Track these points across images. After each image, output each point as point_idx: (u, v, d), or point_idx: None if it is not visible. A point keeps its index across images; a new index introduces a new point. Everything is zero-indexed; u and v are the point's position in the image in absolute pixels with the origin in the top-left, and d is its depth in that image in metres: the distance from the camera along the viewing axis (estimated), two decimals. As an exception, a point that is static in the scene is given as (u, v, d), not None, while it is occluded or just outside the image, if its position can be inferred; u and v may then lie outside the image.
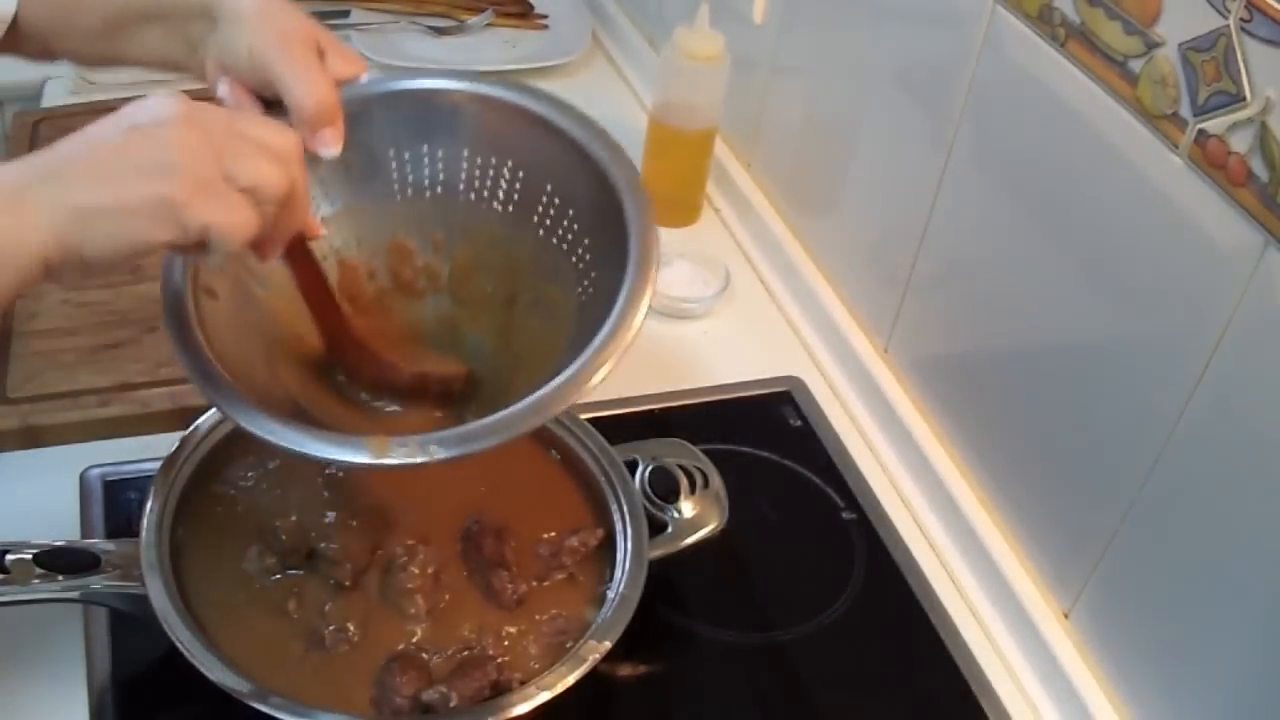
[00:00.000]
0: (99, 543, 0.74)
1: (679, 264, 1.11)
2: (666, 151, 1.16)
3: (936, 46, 0.90)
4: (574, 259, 0.73)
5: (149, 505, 0.73)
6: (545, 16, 1.48)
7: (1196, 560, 0.71)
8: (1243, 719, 0.70)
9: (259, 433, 0.64)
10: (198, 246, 0.58)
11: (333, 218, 0.75)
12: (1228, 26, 0.63)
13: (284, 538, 0.75)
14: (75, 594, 0.71)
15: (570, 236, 0.73)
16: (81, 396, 0.90)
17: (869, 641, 0.84)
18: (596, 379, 0.64)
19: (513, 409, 0.63)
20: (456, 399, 0.76)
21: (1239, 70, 0.63)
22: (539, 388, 0.64)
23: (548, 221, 0.74)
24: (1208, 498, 0.69)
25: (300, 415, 0.69)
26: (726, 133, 1.21)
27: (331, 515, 0.77)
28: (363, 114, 0.72)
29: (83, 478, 0.86)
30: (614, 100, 1.37)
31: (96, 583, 0.71)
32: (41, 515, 0.82)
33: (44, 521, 0.82)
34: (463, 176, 0.75)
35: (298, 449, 0.63)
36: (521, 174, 0.74)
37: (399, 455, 0.62)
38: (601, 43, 1.47)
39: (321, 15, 1.42)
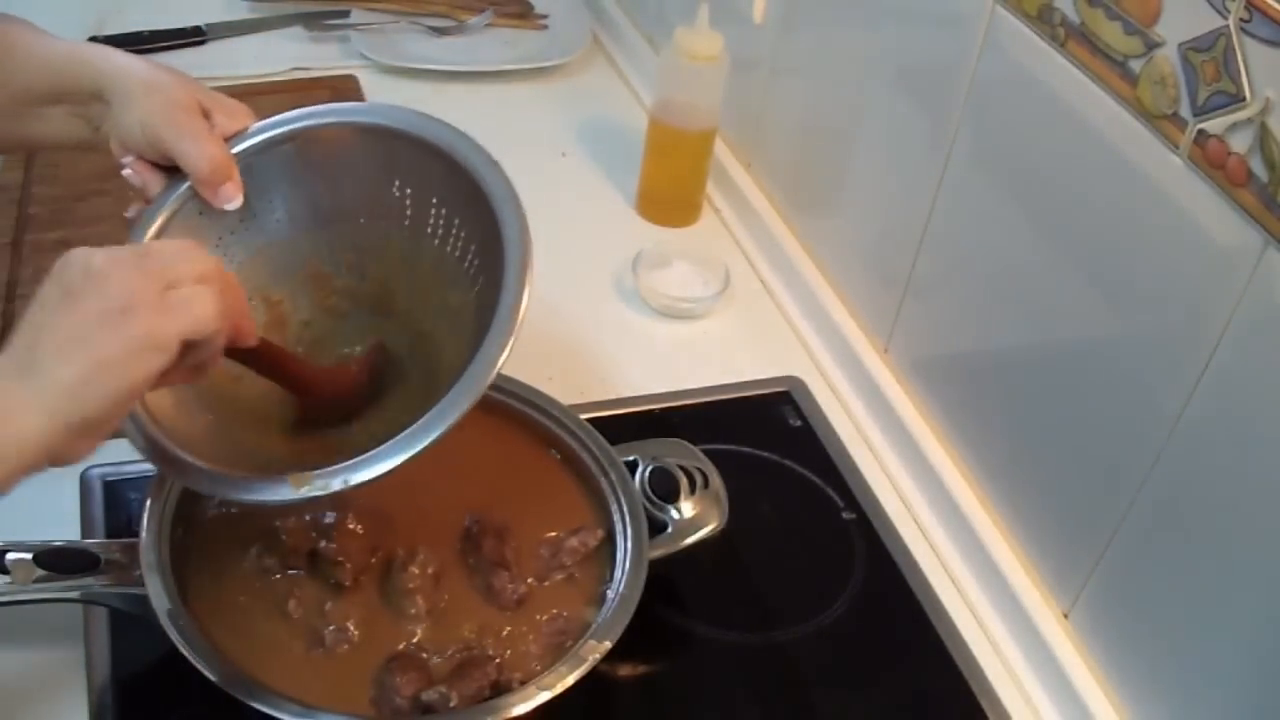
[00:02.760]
0: (99, 543, 0.74)
1: (679, 264, 1.11)
2: (666, 151, 1.16)
3: (936, 46, 0.90)
4: (465, 264, 0.76)
5: (149, 505, 0.73)
6: (545, 16, 1.48)
7: (1196, 560, 0.71)
8: (1242, 719, 0.70)
9: (188, 483, 0.68)
10: (183, 360, 0.59)
11: (248, 263, 0.77)
12: (1228, 27, 0.63)
13: (284, 538, 0.75)
14: (75, 594, 0.71)
15: (460, 244, 0.76)
16: (81, 396, 0.90)
17: (869, 641, 0.84)
18: (485, 383, 0.66)
19: (416, 423, 0.66)
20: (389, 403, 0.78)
21: (1239, 70, 0.63)
22: (438, 398, 0.66)
23: (439, 232, 0.77)
24: (1208, 497, 0.69)
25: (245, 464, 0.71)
26: (726, 133, 1.21)
27: (331, 515, 0.77)
28: (254, 162, 0.75)
29: (83, 478, 0.86)
30: (614, 100, 1.37)
31: (96, 583, 0.71)
32: (41, 515, 0.82)
33: (44, 521, 0.81)
34: (356, 201, 0.78)
35: (223, 493, 0.68)
36: (409, 190, 0.77)
37: (317, 487, 0.65)
38: (601, 43, 1.47)
39: (321, 15, 1.42)
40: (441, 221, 0.77)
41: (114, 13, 1.38)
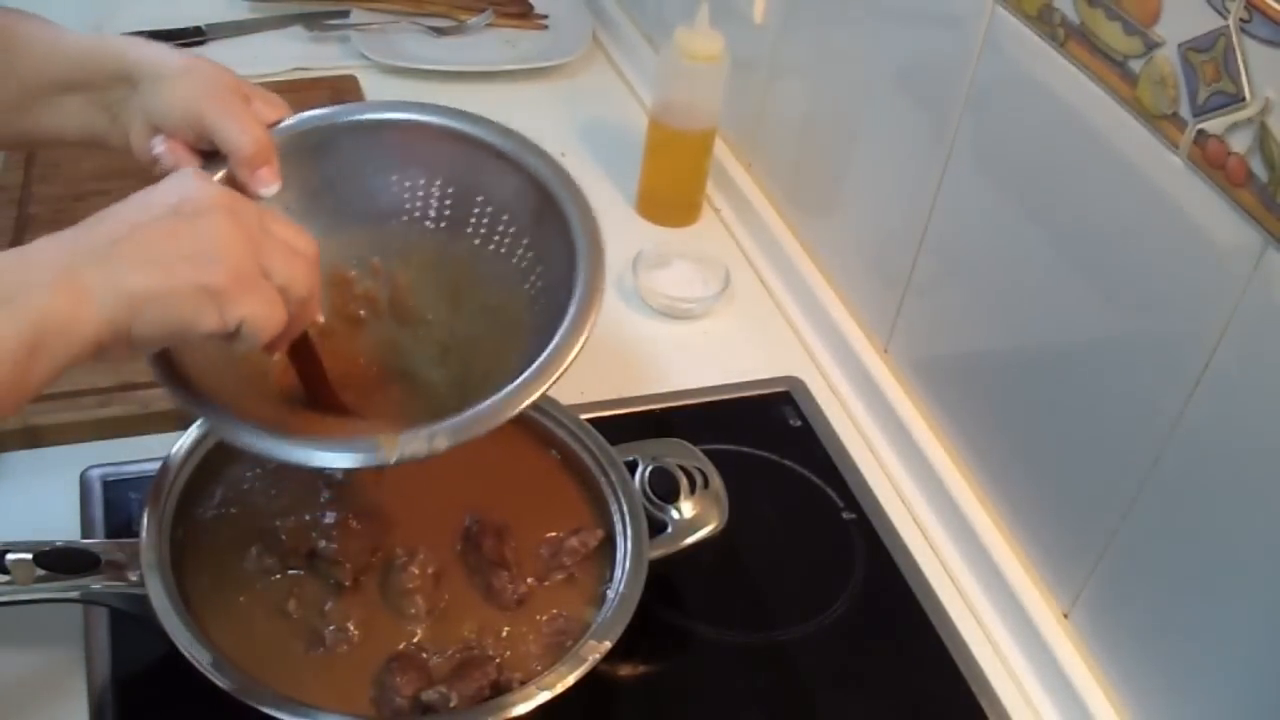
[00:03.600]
0: (99, 543, 0.74)
1: (679, 264, 1.11)
2: (666, 151, 1.16)
3: (936, 46, 0.90)
4: (514, 260, 0.75)
5: (149, 505, 0.73)
6: (545, 16, 1.48)
7: (1196, 560, 0.71)
8: (1242, 719, 0.70)
9: (271, 452, 0.65)
10: (229, 335, 0.59)
11: None
12: (1227, 27, 0.63)
13: (284, 538, 0.75)
14: (75, 594, 0.71)
15: (508, 240, 0.75)
16: (81, 396, 0.90)
17: (869, 641, 0.84)
18: (578, 346, 0.66)
19: (508, 389, 0.65)
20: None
21: (1239, 70, 0.63)
22: (516, 376, 0.65)
23: (482, 230, 0.76)
24: (1208, 498, 0.69)
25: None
26: (726, 133, 1.21)
27: (331, 515, 0.77)
28: (293, 154, 0.74)
29: (83, 478, 0.86)
30: (614, 100, 1.37)
31: (96, 583, 0.71)
32: (41, 515, 0.82)
33: (44, 521, 0.82)
34: (393, 201, 0.77)
35: (308, 461, 0.64)
36: (451, 190, 0.76)
37: (410, 449, 0.63)
38: (601, 43, 1.47)
39: (321, 15, 1.42)
40: (485, 219, 0.76)
41: (113, 13, 1.39)
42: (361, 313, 0.79)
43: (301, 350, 0.70)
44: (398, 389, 0.78)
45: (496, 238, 0.76)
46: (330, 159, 0.75)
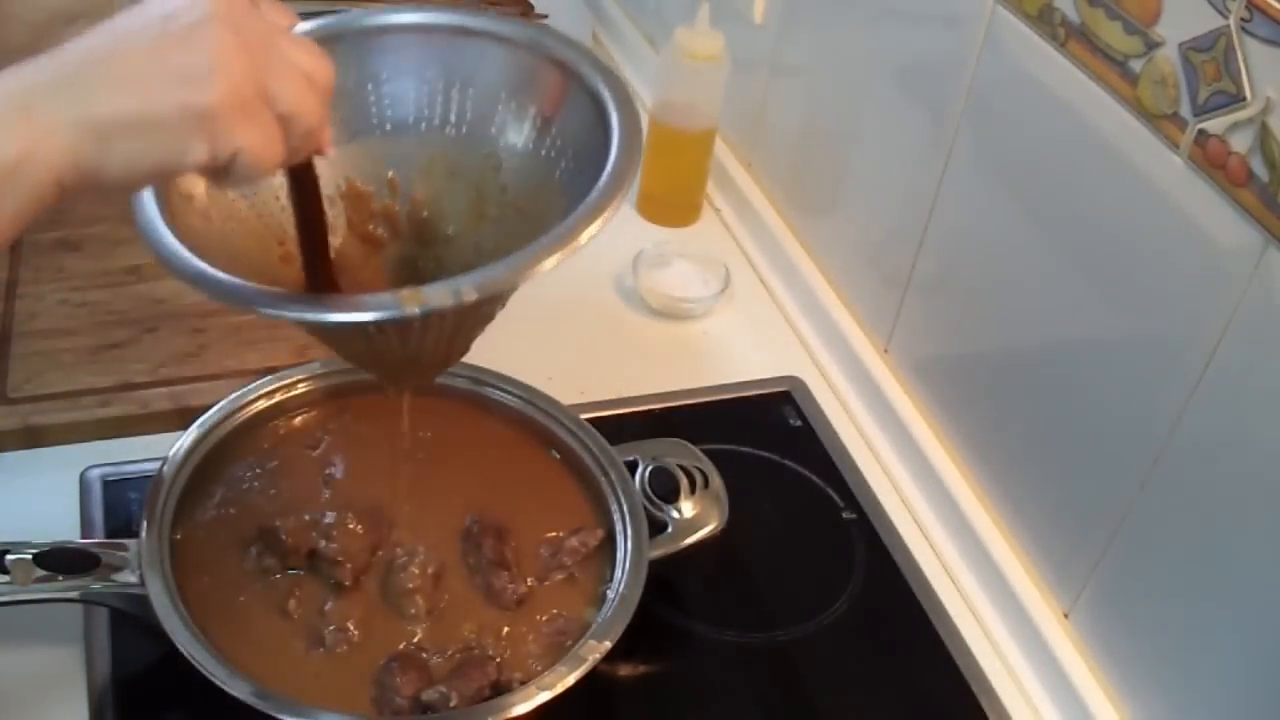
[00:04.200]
0: (99, 543, 0.74)
1: (679, 264, 1.11)
2: (666, 151, 1.16)
3: (936, 46, 0.90)
4: (542, 150, 0.71)
5: (148, 505, 0.73)
6: (545, 16, 1.48)
7: (1196, 560, 0.71)
8: (1242, 719, 0.70)
9: (291, 314, 0.60)
10: (219, 170, 0.51)
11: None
12: (1228, 26, 0.63)
13: (284, 538, 0.75)
14: (75, 594, 0.71)
15: (535, 132, 0.71)
16: (81, 396, 0.90)
17: (869, 641, 0.84)
18: (619, 198, 0.62)
19: (537, 242, 0.60)
20: None
21: (1239, 70, 0.63)
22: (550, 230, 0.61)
23: (507, 129, 0.72)
24: (1208, 498, 0.69)
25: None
26: (726, 133, 1.21)
27: (331, 515, 0.77)
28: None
29: (83, 478, 0.86)
30: (614, 100, 1.37)
31: (96, 583, 0.71)
32: (41, 515, 0.82)
33: (44, 521, 0.81)
34: (408, 110, 0.73)
35: (337, 319, 0.58)
36: (471, 90, 0.72)
37: (436, 299, 0.57)
38: (601, 43, 1.47)
39: (321, 15, 1.42)
40: (510, 115, 0.72)
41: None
42: (380, 231, 0.75)
43: (301, 181, 0.64)
44: None
45: (523, 133, 0.72)
46: (342, 67, 0.72)
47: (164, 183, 0.61)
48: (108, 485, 0.85)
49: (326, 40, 0.68)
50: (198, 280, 0.59)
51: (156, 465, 0.77)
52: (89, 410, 0.90)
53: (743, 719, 0.79)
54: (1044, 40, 0.77)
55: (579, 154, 0.69)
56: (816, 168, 1.10)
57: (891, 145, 0.98)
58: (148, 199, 0.62)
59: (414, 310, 0.57)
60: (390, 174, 0.74)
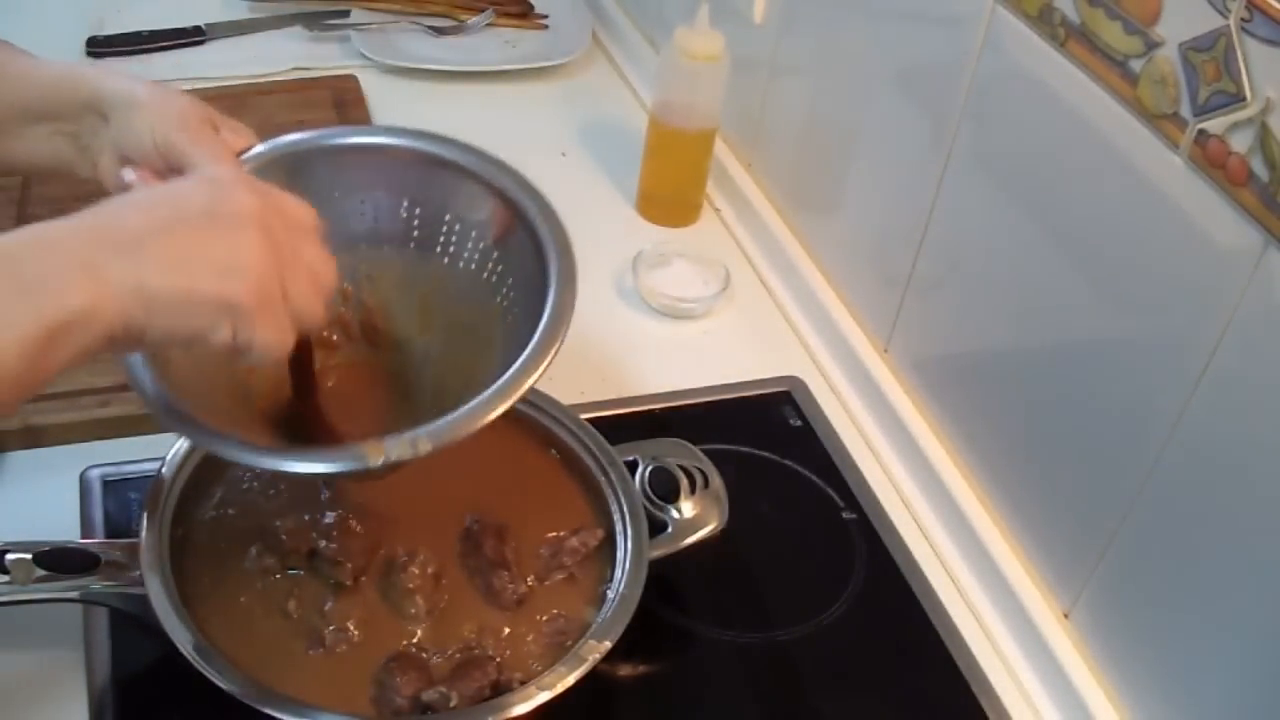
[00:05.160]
0: (99, 543, 0.74)
1: (679, 264, 1.11)
2: (666, 151, 1.16)
3: (936, 46, 0.90)
4: (485, 274, 0.76)
5: (149, 505, 0.73)
6: (545, 16, 1.48)
7: (1196, 560, 0.71)
8: (1242, 719, 0.70)
9: (254, 461, 0.67)
10: (236, 350, 0.59)
11: None
12: (1228, 26, 0.63)
13: (284, 538, 0.75)
14: (75, 594, 0.71)
15: (477, 256, 0.76)
16: (81, 396, 0.90)
17: (869, 641, 0.84)
18: (558, 341, 0.69)
19: (489, 391, 0.66)
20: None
21: (1239, 70, 0.63)
22: (498, 376, 0.66)
23: (451, 248, 0.77)
24: (1208, 498, 0.69)
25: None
26: (726, 133, 1.21)
27: (331, 515, 0.77)
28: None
29: (83, 478, 0.86)
30: (614, 100, 1.37)
31: (96, 583, 0.71)
32: (41, 515, 0.82)
33: (44, 521, 0.81)
34: (363, 224, 0.78)
35: (297, 469, 0.65)
36: (419, 210, 0.77)
37: (395, 452, 0.64)
38: (601, 43, 1.47)
39: (321, 15, 1.42)
40: (455, 236, 0.76)
41: (114, 13, 1.39)
42: (335, 337, 0.80)
43: (299, 355, 0.70)
44: (375, 409, 0.78)
45: (466, 254, 0.77)
46: (298, 185, 0.76)
47: None
48: (108, 485, 0.85)
49: (285, 160, 0.75)
50: (183, 431, 0.67)
51: (156, 465, 0.77)
52: (89, 410, 0.90)
53: (742, 719, 0.79)
54: (1044, 40, 0.77)
55: (519, 285, 0.73)
56: (816, 168, 1.10)
57: (891, 145, 0.98)
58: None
59: (377, 461, 0.64)
60: (345, 284, 0.78)
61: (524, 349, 0.68)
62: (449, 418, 0.65)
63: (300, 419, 0.75)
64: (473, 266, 0.76)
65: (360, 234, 0.78)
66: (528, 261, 0.73)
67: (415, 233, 0.77)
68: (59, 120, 0.73)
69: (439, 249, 0.77)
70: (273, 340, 0.60)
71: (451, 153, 0.76)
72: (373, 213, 0.77)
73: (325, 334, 0.79)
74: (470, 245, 0.77)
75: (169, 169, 0.70)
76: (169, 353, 0.68)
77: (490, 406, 0.66)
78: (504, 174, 0.75)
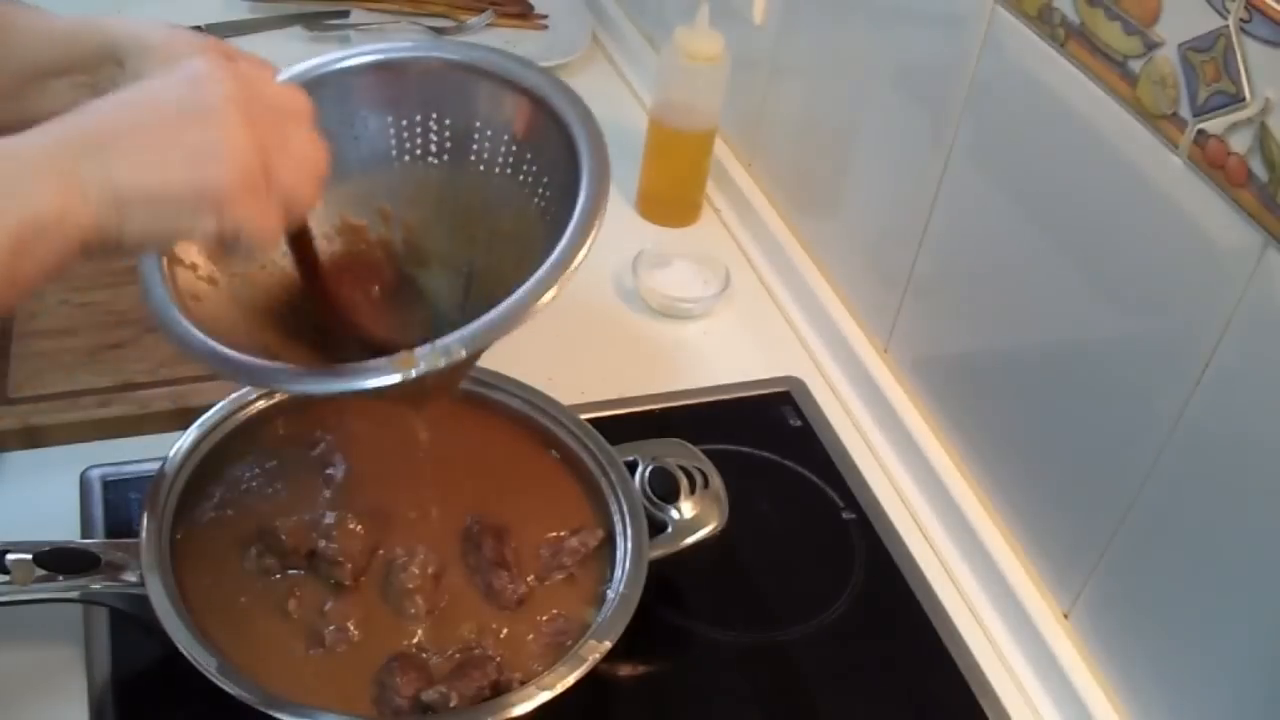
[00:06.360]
0: (99, 543, 0.74)
1: (679, 264, 1.11)
2: (666, 151, 1.16)
3: (936, 46, 0.90)
4: (520, 178, 0.73)
5: (148, 505, 0.73)
6: (545, 16, 1.48)
7: (1196, 560, 0.71)
8: (1242, 719, 0.70)
9: (287, 386, 0.64)
10: (224, 243, 0.56)
11: None
12: (1227, 27, 0.63)
13: (284, 538, 0.75)
14: (75, 594, 0.71)
15: (511, 159, 0.74)
16: (81, 396, 0.90)
17: (869, 641, 0.84)
18: (582, 254, 0.65)
19: (512, 298, 0.63)
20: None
21: (1239, 70, 0.63)
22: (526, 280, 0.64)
23: (485, 155, 0.75)
24: (1208, 498, 0.69)
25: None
26: (726, 133, 1.21)
27: (331, 515, 0.77)
28: None
29: (83, 478, 0.86)
30: (614, 100, 1.37)
31: (96, 583, 0.71)
32: (41, 515, 0.82)
33: (44, 521, 0.81)
34: (393, 143, 0.75)
35: (330, 389, 0.62)
36: (448, 121, 0.75)
37: (427, 362, 0.61)
38: (601, 43, 1.47)
39: (321, 15, 1.42)
40: (487, 144, 0.74)
41: (114, 13, 1.38)
42: (379, 256, 0.77)
43: (298, 240, 0.68)
44: (424, 331, 0.77)
45: (500, 160, 0.74)
46: (324, 109, 0.75)
47: (169, 258, 0.66)
48: (108, 485, 0.85)
49: (308, 85, 0.71)
50: (214, 362, 0.63)
51: (156, 465, 0.77)
52: (89, 410, 0.90)
53: (743, 719, 0.79)
54: (1044, 40, 0.77)
55: (554, 183, 0.71)
56: (816, 168, 1.10)
57: (891, 145, 0.98)
58: (155, 281, 0.66)
59: (410, 373, 0.61)
60: (384, 205, 0.76)
61: (560, 240, 0.65)
62: (484, 319, 0.62)
63: (335, 334, 0.73)
64: (508, 171, 0.74)
65: (392, 153, 0.75)
66: (559, 154, 0.70)
67: (448, 144, 0.75)
68: (77, 72, 0.72)
69: (474, 158, 0.75)
70: (259, 226, 0.56)
71: (473, 57, 0.74)
72: (403, 129, 0.75)
73: (370, 254, 0.77)
74: (503, 149, 0.74)
75: None
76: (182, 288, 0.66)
77: (526, 300, 0.63)
78: (528, 70, 0.73)
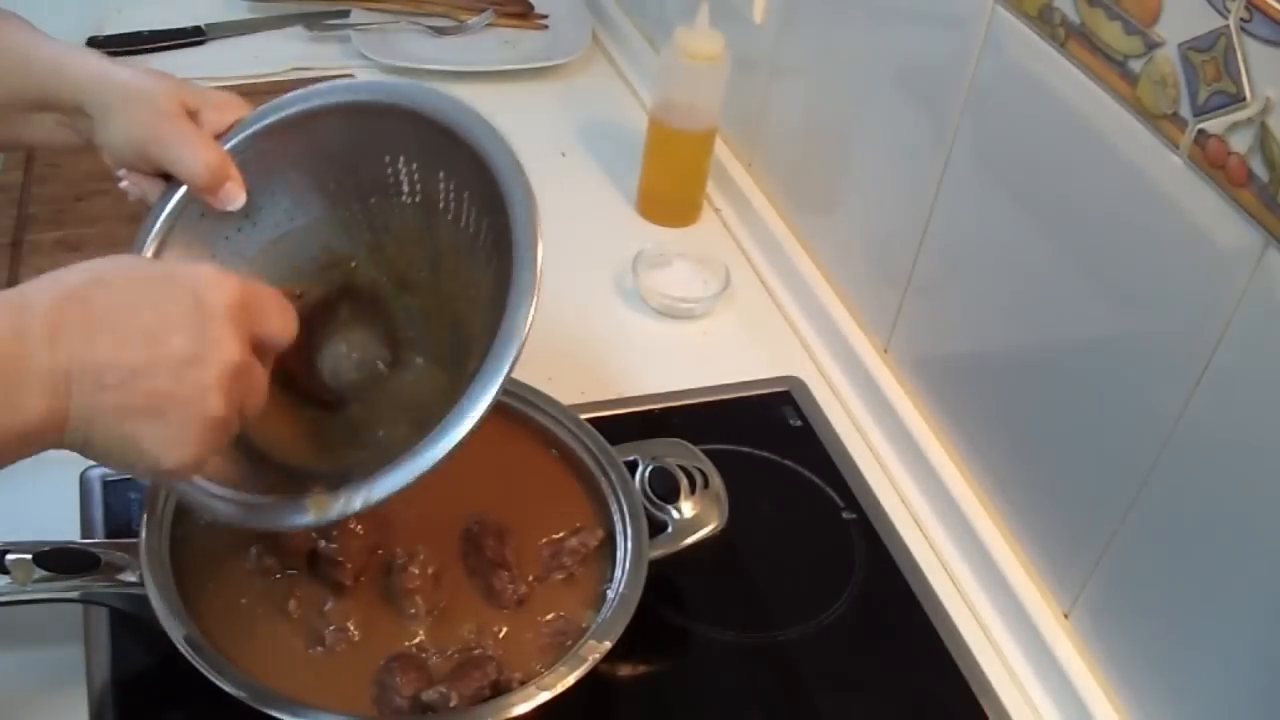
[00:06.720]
0: (99, 543, 0.74)
1: (679, 264, 1.11)
2: (666, 151, 1.16)
3: (936, 46, 0.90)
4: (480, 240, 0.73)
5: (148, 505, 0.73)
6: (545, 16, 1.48)
7: (1196, 560, 0.71)
8: (1242, 719, 0.70)
9: (205, 515, 0.69)
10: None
11: (260, 258, 0.76)
12: (1228, 26, 0.63)
13: (284, 538, 0.75)
14: (75, 594, 0.71)
15: (472, 219, 0.74)
16: (81, 397, 0.90)
17: (869, 641, 0.84)
18: (464, 433, 0.64)
19: (427, 438, 0.64)
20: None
21: (1239, 70, 0.63)
22: (442, 416, 0.65)
23: (451, 207, 0.75)
24: (1208, 498, 0.69)
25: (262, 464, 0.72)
26: (726, 133, 1.21)
27: (331, 516, 0.77)
28: (252, 154, 0.73)
29: (83, 478, 0.86)
30: (614, 100, 1.37)
31: (96, 583, 0.71)
32: (41, 515, 0.82)
33: (44, 521, 0.81)
34: (363, 181, 0.76)
35: (242, 523, 0.68)
36: (415, 166, 0.75)
37: (336, 510, 0.65)
38: (601, 43, 1.47)
39: (321, 15, 1.42)
40: (451, 196, 0.74)
41: (114, 13, 1.39)
42: (364, 285, 0.79)
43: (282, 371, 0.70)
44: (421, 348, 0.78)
45: (464, 214, 0.74)
46: (298, 147, 0.75)
47: None
48: (108, 485, 0.85)
49: (278, 128, 0.74)
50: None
51: (156, 465, 0.76)
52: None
53: (742, 719, 0.79)
54: (1044, 40, 0.77)
55: (500, 264, 0.69)
56: (816, 168, 1.10)
57: (892, 145, 0.98)
58: None
59: (328, 517, 0.66)
60: (366, 237, 0.77)
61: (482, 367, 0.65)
62: (381, 477, 0.65)
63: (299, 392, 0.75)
64: (470, 229, 0.74)
65: (366, 189, 0.76)
66: (504, 236, 0.69)
67: (418, 189, 0.75)
68: (58, 112, 0.73)
69: (440, 206, 0.75)
70: (255, 404, 0.61)
71: (433, 107, 0.74)
72: (373, 168, 0.76)
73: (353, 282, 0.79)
74: (465, 207, 0.74)
75: (155, 169, 0.71)
76: None
77: (422, 459, 0.64)
78: (485, 137, 0.72)
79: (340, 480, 0.66)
